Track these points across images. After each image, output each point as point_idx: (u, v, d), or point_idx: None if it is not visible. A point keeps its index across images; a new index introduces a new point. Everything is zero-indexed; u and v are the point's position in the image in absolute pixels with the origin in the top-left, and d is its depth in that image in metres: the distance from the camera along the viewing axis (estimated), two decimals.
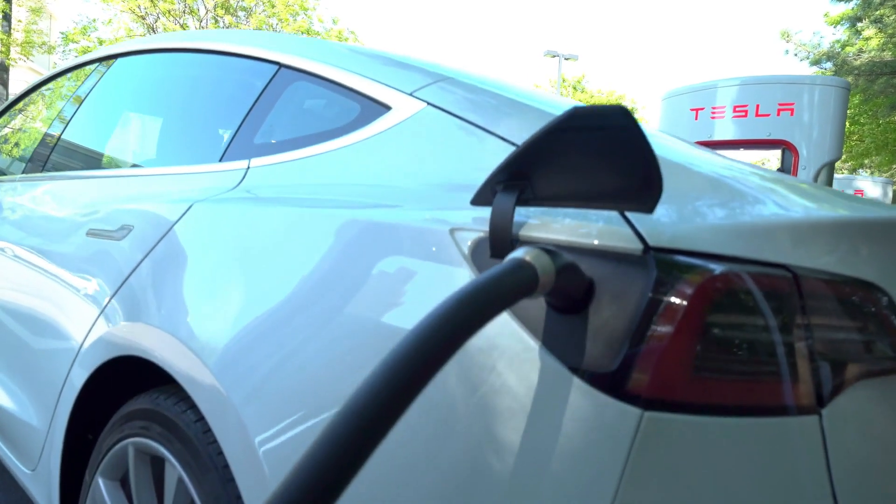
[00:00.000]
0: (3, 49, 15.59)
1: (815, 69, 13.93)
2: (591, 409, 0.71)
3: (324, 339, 0.93)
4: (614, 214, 0.80)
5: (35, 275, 1.71)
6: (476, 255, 0.84)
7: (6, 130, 2.77)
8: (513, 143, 0.99)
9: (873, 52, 13.61)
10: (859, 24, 14.18)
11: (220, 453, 1.02)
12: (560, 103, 1.19)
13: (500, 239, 0.80)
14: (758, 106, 5.21)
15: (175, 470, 1.10)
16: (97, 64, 2.20)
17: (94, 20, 18.46)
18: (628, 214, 0.80)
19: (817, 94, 5.19)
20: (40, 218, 1.89)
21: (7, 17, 16.06)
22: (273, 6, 19.17)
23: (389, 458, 0.82)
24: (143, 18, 18.73)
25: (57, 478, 1.45)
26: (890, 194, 13.90)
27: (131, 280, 1.29)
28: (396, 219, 0.96)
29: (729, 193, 0.88)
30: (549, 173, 0.78)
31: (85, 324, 1.39)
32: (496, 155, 0.97)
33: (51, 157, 2.14)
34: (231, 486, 0.99)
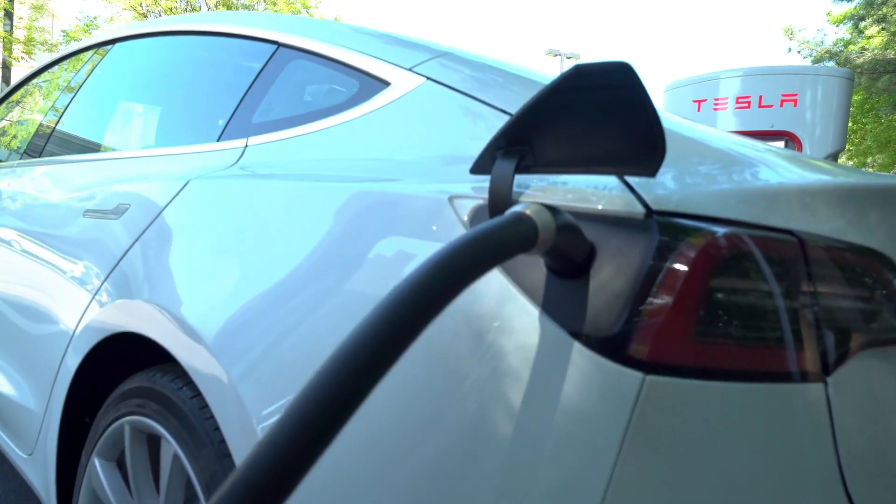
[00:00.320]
0: (6, 47, 15.60)
1: None
2: (592, 374, 0.70)
3: (322, 313, 0.92)
4: (616, 180, 0.79)
5: (32, 257, 1.70)
6: (475, 223, 0.83)
7: (4, 123, 2.76)
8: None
9: (876, 51, 13.59)
10: (862, 24, 14.15)
11: (217, 429, 1.01)
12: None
13: (500, 206, 0.78)
14: (761, 97, 5.18)
15: (171, 446, 1.09)
16: (94, 50, 2.19)
17: (96, 17, 18.47)
18: (630, 180, 0.78)
19: (821, 85, 5.16)
20: (38, 202, 1.88)
21: (9, 15, 16.08)
22: (275, 4, 19.18)
23: (389, 423, 0.80)
24: (145, 16, 18.74)
25: (53, 461, 1.44)
26: None
27: (128, 257, 1.28)
28: (395, 190, 0.95)
29: (734, 160, 0.87)
30: (549, 138, 0.76)
31: (81, 302, 1.38)
32: (497, 128, 0.95)
33: (49, 143, 2.13)
34: (227, 461, 0.98)
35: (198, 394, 1.07)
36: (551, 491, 0.70)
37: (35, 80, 2.59)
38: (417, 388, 0.79)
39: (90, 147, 2.05)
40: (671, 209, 0.73)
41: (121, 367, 1.35)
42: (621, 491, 0.68)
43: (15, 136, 2.59)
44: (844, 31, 15.13)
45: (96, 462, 1.29)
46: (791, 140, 5.25)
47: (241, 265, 1.06)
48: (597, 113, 0.72)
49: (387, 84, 1.19)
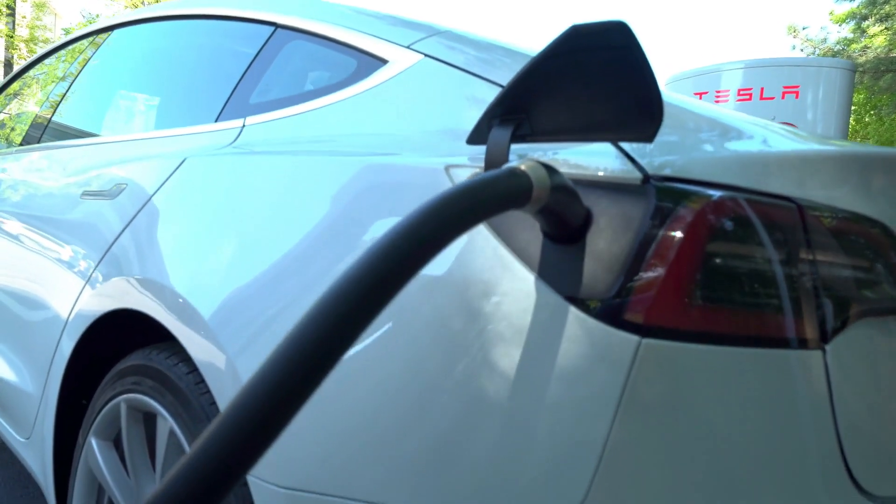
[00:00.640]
0: (9, 45, 15.62)
1: None
2: (588, 338, 0.69)
3: (321, 286, 0.91)
4: (613, 147, 0.78)
5: (30, 240, 1.70)
6: None
7: (2, 115, 2.76)
8: None
9: (879, 50, 13.56)
10: (864, 23, 14.12)
11: (213, 403, 1.01)
12: None
13: None
14: (762, 89, 5.16)
15: (166, 423, 1.09)
16: (92, 37, 2.18)
17: (98, 16, 18.48)
18: (627, 146, 0.78)
19: (822, 77, 5.14)
20: (36, 187, 1.88)
21: (12, 12, 16.10)
22: None
23: (386, 392, 0.80)
24: None
25: (50, 443, 1.44)
26: None
27: (124, 236, 1.28)
28: (391, 162, 0.94)
29: (731, 129, 0.86)
30: (546, 105, 0.76)
31: (78, 282, 1.38)
32: None
33: (47, 130, 2.13)
34: None
35: (194, 369, 1.07)
36: (548, 455, 0.70)
37: (33, 70, 2.59)
38: (414, 355, 0.79)
39: (89, 133, 2.05)
40: (668, 174, 0.73)
41: (118, 349, 1.35)
42: (617, 454, 0.67)
43: (13, 129, 2.59)
44: (847, 31, 15.11)
45: (93, 442, 1.29)
46: None
47: (239, 241, 1.06)
48: (594, 76, 0.72)
49: (385, 62, 1.18)
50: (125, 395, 1.19)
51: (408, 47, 1.17)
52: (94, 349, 1.38)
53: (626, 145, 0.78)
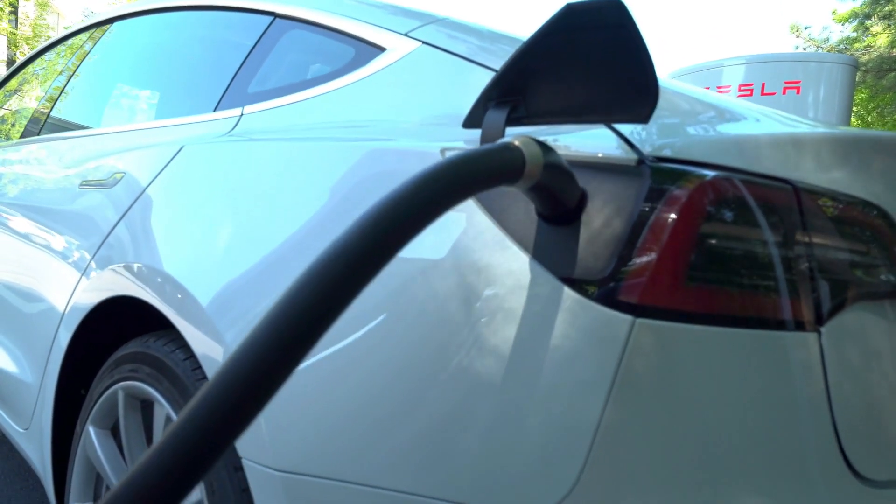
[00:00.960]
0: (11, 43, 15.64)
1: None
2: (582, 319, 0.69)
3: None
4: (608, 129, 0.78)
5: (29, 230, 1.70)
6: None
7: (3, 111, 2.76)
8: None
9: (882, 49, 13.52)
10: (867, 22, 14.08)
11: None
12: None
13: None
14: (763, 84, 5.14)
15: (163, 409, 1.09)
16: (92, 30, 2.19)
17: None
18: (622, 128, 0.78)
19: (824, 72, 5.12)
20: (35, 178, 1.88)
21: (14, 11, 16.13)
22: None
23: (382, 373, 0.80)
24: None
25: (49, 433, 1.44)
26: None
27: (122, 223, 1.28)
28: (388, 146, 0.94)
29: (728, 112, 0.86)
30: (542, 86, 0.76)
31: (77, 271, 1.38)
32: None
33: (47, 122, 2.14)
34: None
35: (191, 356, 1.07)
36: (542, 435, 0.70)
37: (32, 66, 2.59)
38: (409, 338, 0.79)
39: (88, 125, 2.05)
40: (663, 155, 0.73)
41: (117, 339, 1.35)
42: (610, 434, 0.67)
43: (13, 125, 2.60)
44: (850, 30, 15.07)
45: (91, 430, 1.29)
46: None
47: (237, 227, 1.06)
48: (589, 56, 0.71)
49: (382, 49, 1.18)
50: (123, 383, 1.19)
51: (405, 35, 1.17)
52: (93, 339, 1.38)
53: (621, 127, 0.78)
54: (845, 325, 0.75)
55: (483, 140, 0.78)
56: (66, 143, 1.84)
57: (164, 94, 1.87)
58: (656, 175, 0.71)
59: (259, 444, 0.87)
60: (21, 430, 1.63)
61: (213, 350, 0.99)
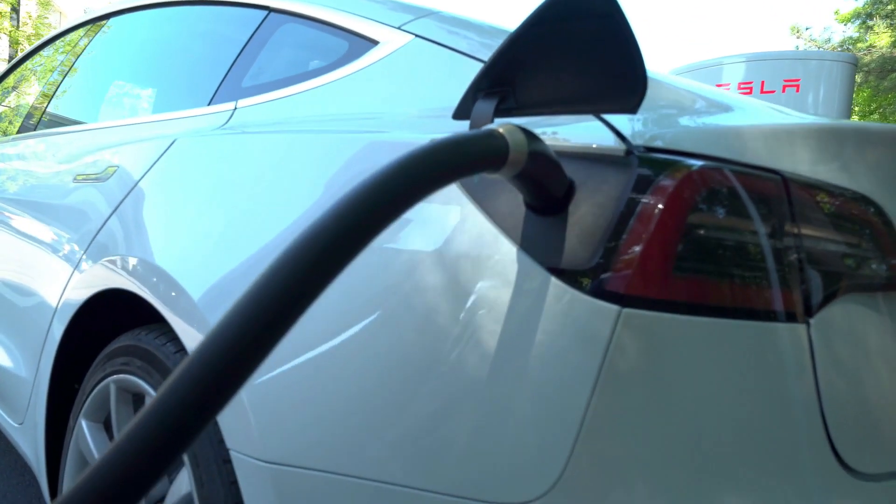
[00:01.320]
0: (13, 42, 15.66)
1: None
2: (569, 309, 0.69)
3: None
4: (597, 120, 0.78)
5: (24, 225, 1.70)
6: None
7: (1, 108, 2.76)
8: None
9: (884, 49, 13.49)
10: (870, 22, 14.06)
11: None
12: None
13: None
14: (763, 83, 5.13)
15: None
16: (89, 26, 2.19)
17: None
18: (611, 118, 0.77)
19: (824, 70, 5.10)
20: (29, 173, 1.88)
21: (16, 11, 16.15)
22: None
23: (368, 363, 0.79)
24: None
25: (42, 427, 1.44)
26: None
27: (115, 216, 1.28)
28: (379, 139, 0.94)
29: (718, 103, 0.86)
30: (531, 76, 0.75)
31: (69, 265, 1.38)
32: None
33: (43, 117, 2.14)
34: None
35: (181, 349, 1.06)
36: (528, 425, 0.69)
37: (30, 62, 2.59)
38: (397, 329, 0.78)
39: (84, 120, 2.05)
40: (651, 145, 0.72)
41: (111, 334, 1.35)
42: (597, 424, 0.67)
43: (10, 122, 2.60)
44: (853, 30, 15.04)
45: (83, 423, 1.28)
46: None
47: (229, 220, 1.06)
48: (577, 45, 0.71)
49: (376, 43, 1.18)
50: (114, 377, 1.19)
51: (399, 28, 1.17)
52: (87, 333, 1.38)
53: (611, 117, 0.78)
54: (835, 317, 0.75)
55: (471, 129, 0.78)
56: (61, 138, 1.84)
57: (160, 88, 1.87)
58: (644, 165, 0.71)
59: (247, 436, 0.87)
60: (16, 425, 1.63)
61: None
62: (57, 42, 2.42)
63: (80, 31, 2.23)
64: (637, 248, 0.68)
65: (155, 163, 1.25)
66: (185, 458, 1.00)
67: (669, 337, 0.68)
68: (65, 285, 1.37)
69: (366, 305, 0.81)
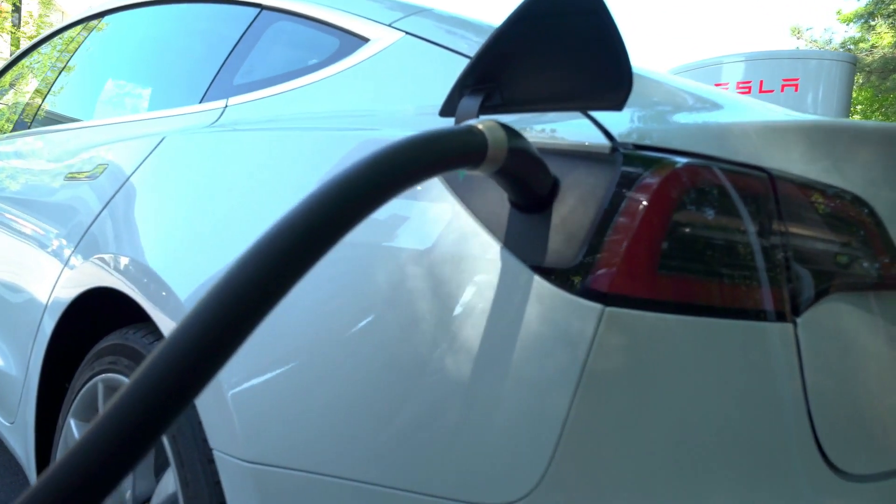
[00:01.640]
0: (15, 41, 15.67)
1: None
2: (551, 307, 0.68)
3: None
4: (583, 117, 0.77)
5: (13, 222, 1.70)
6: None
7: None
8: None
9: (886, 49, 13.46)
10: (872, 22, 14.02)
11: None
12: None
13: None
14: (761, 82, 5.11)
15: None
16: (84, 24, 2.18)
17: None
18: (596, 115, 0.77)
19: (823, 69, 5.08)
20: (21, 171, 1.87)
21: (17, 10, 16.16)
22: None
23: (348, 362, 0.79)
24: None
25: (32, 426, 1.43)
26: None
27: (103, 215, 1.27)
28: (367, 137, 0.93)
29: (705, 100, 0.85)
30: (516, 73, 0.75)
31: (57, 264, 1.37)
32: None
33: (38, 115, 2.13)
34: (192, 411, 0.96)
35: None
36: (510, 425, 0.68)
37: (27, 59, 2.59)
38: (379, 327, 0.77)
39: (77, 118, 2.05)
40: (637, 142, 0.72)
41: (101, 332, 1.34)
42: (580, 424, 0.66)
43: (9, 120, 2.59)
44: (855, 30, 15.01)
45: (72, 423, 1.28)
46: None
47: (216, 218, 1.05)
48: (563, 42, 0.70)
49: (366, 40, 1.17)
50: (102, 375, 1.19)
51: (389, 25, 1.16)
52: (78, 332, 1.37)
53: (597, 115, 0.77)
54: (823, 316, 0.74)
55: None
56: (54, 136, 1.83)
57: (152, 86, 1.87)
58: (629, 162, 0.70)
59: (230, 436, 0.86)
60: (7, 424, 1.63)
61: None
62: (54, 39, 2.42)
63: (76, 29, 2.22)
64: (621, 247, 0.67)
65: (144, 161, 1.25)
66: (171, 457, 0.99)
67: (653, 336, 0.67)
68: (54, 284, 1.37)
69: (348, 304, 0.80)
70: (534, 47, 0.72)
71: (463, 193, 0.77)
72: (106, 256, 1.20)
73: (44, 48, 2.50)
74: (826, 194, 0.77)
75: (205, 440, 0.92)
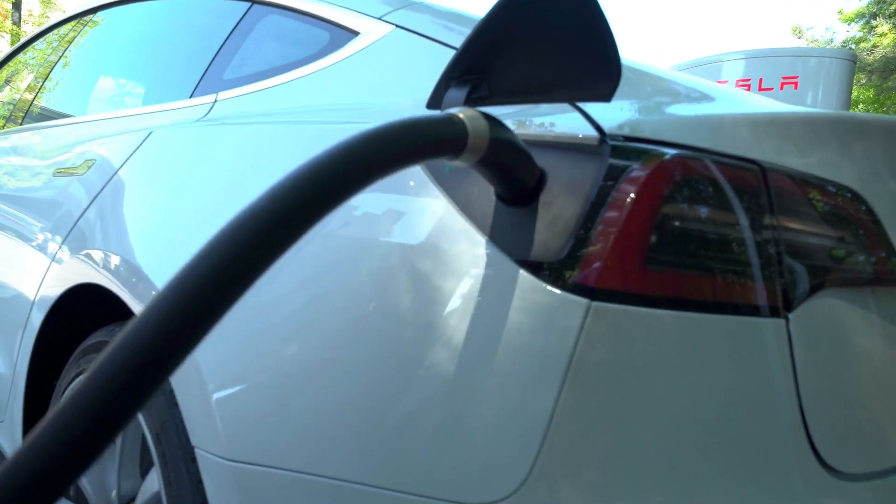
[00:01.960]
0: (14, 40, 15.67)
1: None
2: (537, 302, 0.67)
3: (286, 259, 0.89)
4: (570, 109, 0.76)
5: (4, 218, 1.68)
6: None
7: None
8: None
9: (887, 49, 13.43)
10: (874, 21, 13.98)
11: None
12: None
13: None
14: (761, 80, 5.08)
15: None
16: (77, 20, 2.17)
17: None
18: (584, 106, 0.75)
19: (822, 67, 5.05)
20: (12, 166, 1.86)
21: (17, 8, 16.16)
22: None
23: (332, 358, 0.77)
24: None
25: (20, 424, 1.42)
26: None
27: (90, 210, 1.25)
28: (357, 130, 0.91)
29: (696, 92, 0.83)
30: (503, 65, 0.73)
31: (44, 260, 1.36)
32: None
33: (30, 111, 2.12)
34: (176, 410, 0.95)
35: None
36: (496, 422, 0.67)
37: (23, 55, 2.58)
38: (364, 322, 0.76)
39: (68, 114, 2.04)
40: (625, 134, 0.70)
41: (90, 330, 1.33)
42: (566, 421, 0.64)
43: (1, 116, 2.58)
44: (856, 30, 14.97)
45: None
46: None
47: (202, 213, 1.03)
48: (550, 32, 0.69)
49: (356, 33, 1.16)
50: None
51: (379, 18, 1.15)
52: (65, 330, 1.35)
53: (587, 106, 0.75)
54: (816, 311, 0.72)
55: None
56: (44, 132, 1.82)
57: (144, 81, 1.85)
58: (617, 154, 0.68)
59: (212, 434, 0.84)
60: None
61: None
62: (49, 35, 2.40)
63: (70, 25, 2.21)
64: (608, 240, 0.65)
65: (130, 156, 1.23)
66: (155, 456, 0.98)
67: (641, 332, 0.66)
68: (41, 280, 1.35)
69: (332, 301, 0.78)
70: (520, 37, 0.71)
71: (448, 186, 0.76)
72: (92, 253, 1.18)
73: (38, 44, 2.49)
74: (819, 188, 0.76)
75: (188, 439, 0.90)
